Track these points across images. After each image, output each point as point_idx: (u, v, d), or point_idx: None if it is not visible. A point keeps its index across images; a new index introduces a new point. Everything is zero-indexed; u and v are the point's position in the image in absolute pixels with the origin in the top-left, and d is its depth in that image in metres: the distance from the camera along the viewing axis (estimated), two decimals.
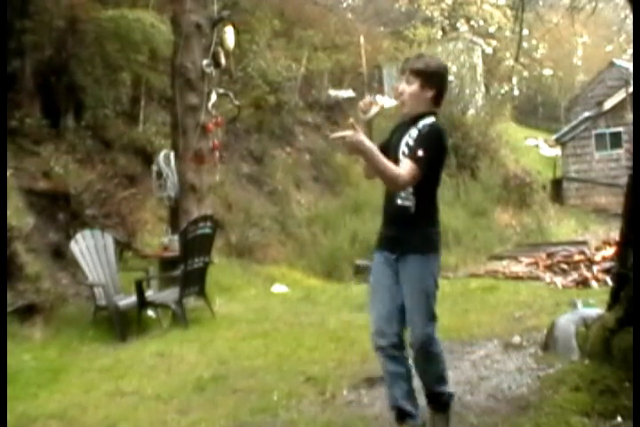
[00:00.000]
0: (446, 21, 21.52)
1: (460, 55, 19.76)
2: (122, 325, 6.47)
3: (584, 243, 12.72)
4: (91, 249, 6.82)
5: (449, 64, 14.94)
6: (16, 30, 8.85)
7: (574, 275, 8.99)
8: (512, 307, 6.26)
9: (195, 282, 6.72)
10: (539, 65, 25.17)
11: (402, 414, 3.09)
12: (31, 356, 5.65)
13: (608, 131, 20.37)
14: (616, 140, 20.17)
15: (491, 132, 18.19)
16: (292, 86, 14.93)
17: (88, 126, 9.81)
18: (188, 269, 6.53)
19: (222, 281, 8.57)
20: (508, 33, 21.34)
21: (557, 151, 22.46)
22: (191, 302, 6.91)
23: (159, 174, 7.55)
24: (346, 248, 11.99)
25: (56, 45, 9.63)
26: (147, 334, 6.37)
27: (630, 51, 18.90)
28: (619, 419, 3.16)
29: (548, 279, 8.88)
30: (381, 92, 20.48)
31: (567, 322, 4.31)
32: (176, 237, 6.96)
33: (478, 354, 4.56)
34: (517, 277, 9.36)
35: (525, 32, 15.12)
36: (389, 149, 3.02)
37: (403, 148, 3.02)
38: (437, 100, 3.08)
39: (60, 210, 8.06)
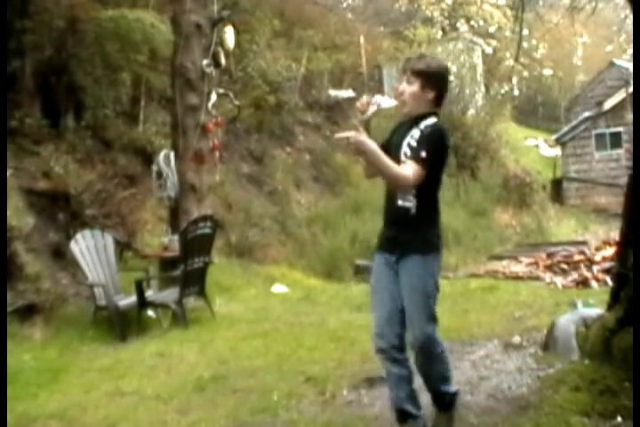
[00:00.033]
0: (446, 21, 21.52)
1: (459, 55, 19.76)
2: (122, 325, 6.48)
3: (584, 243, 12.73)
4: (91, 249, 6.82)
5: (449, 64, 14.93)
6: (16, 30, 8.85)
7: (574, 275, 8.99)
8: (512, 307, 6.26)
9: (195, 282, 6.72)
10: (539, 65, 25.17)
11: (404, 416, 3.10)
12: (31, 356, 5.65)
13: (608, 131, 20.38)
14: (616, 140, 20.18)
15: (491, 132, 18.18)
16: (292, 86, 14.94)
17: (88, 126, 9.81)
18: (187, 269, 6.53)
19: (222, 281, 8.57)
20: (508, 33, 21.34)
21: (557, 151, 22.47)
22: (191, 302, 6.91)
23: (159, 174, 7.55)
24: (346, 248, 12.00)
25: (56, 45, 9.63)
26: (147, 334, 6.37)
27: (630, 51, 18.89)
28: (619, 419, 3.16)
29: (547, 279, 8.88)
30: (381, 92, 20.50)
31: (567, 322, 4.31)
32: (176, 237, 6.96)
33: (478, 354, 4.56)
34: (517, 277, 9.35)
35: (525, 32, 15.11)
36: (390, 149, 3.01)
37: (404, 148, 3.01)
38: (438, 100, 3.08)
39: (60, 210, 8.06)
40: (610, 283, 6.78)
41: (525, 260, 11.17)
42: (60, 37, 9.61)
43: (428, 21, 20.95)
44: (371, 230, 10.97)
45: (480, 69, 22.10)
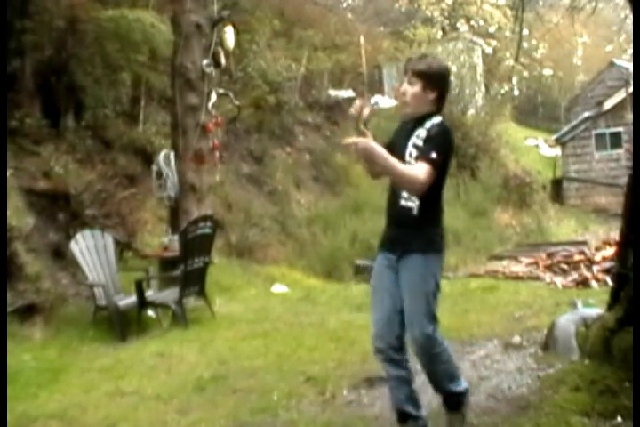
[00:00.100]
0: (446, 21, 21.55)
1: (460, 55, 19.79)
2: (122, 325, 6.47)
3: (584, 243, 12.73)
4: (91, 249, 6.82)
5: (449, 64, 14.93)
6: (16, 30, 8.85)
7: (574, 275, 8.98)
8: (512, 307, 6.25)
9: (195, 282, 6.72)
10: (539, 65, 25.20)
11: (404, 417, 3.10)
12: (31, 356, 5.65)
13: (608, 131, 20.39)
14: (616, 140, 20.18)
15: (491, 132, 18.19)
16: (292, 86, 14.94)
17: (88, 126, 9.81)
18: (188, 269, 6.53)
19: (222, 281, 8.57)
20: (508, 33, 21.36)
21: (557, 151, 22.47)
22: (191, 302, 6.91)
23: (159, 174, 7.55)
24: (346, 248, 12.00)
25: (56, 45, 9.63)
26: (147, 334, 6.37)
27: (630, 51, 18.90)
28: (619, 419, 3.16)
29: (547, 279, 8.88)
30: (381, 92, 20.54)
31: (567, 322, 4.31)
32: (176, 237, 6.96)
33: (478, 354, 4.56)
34: (517, 277, 9.35)
35: (525, 32, 15.13)
36: (394, 150, 2.96)
37: (410, 148, 2.99)
38: (440, 101, 3.07)
39: (60, 210, 8.06)
40: (610, 283, 6.78)
41: (525, 260, 11.17)
42: (60, 37, 9.61)
43: (428, 21, 20.97)
44: (371, 230, 11.00)
45: (480, 69, 22.12)
